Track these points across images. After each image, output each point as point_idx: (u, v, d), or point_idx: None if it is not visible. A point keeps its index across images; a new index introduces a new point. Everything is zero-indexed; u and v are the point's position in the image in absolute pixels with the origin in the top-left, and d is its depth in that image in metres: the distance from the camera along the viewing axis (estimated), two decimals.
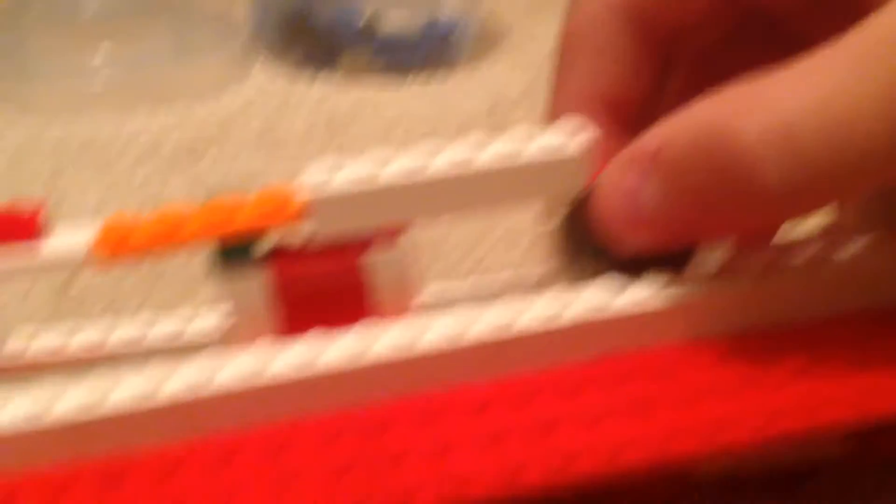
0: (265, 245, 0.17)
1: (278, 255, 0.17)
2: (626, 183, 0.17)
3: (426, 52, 0.44)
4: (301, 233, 0.17)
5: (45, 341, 0.22)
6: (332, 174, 0.17)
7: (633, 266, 0.18)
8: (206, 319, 0.22)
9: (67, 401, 0.15)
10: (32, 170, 0.36)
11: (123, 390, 0.15)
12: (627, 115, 0.21)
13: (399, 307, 0.18)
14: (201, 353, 0.17)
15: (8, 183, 0.35)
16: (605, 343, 0.17)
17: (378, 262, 0.18)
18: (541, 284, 0.19)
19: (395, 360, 0.16)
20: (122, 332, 0.22)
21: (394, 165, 0.17)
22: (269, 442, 0.16)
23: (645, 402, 0.16)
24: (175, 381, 0.16)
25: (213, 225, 0.16)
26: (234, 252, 0.17)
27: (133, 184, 0.35)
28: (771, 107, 0.15)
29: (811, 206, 0.16)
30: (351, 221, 0.17)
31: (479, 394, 0.16)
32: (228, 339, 0.17)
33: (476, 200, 0.18)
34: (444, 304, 0.18)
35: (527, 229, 0.32)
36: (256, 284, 0.17)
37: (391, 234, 0.18)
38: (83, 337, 0.22)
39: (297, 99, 0.42)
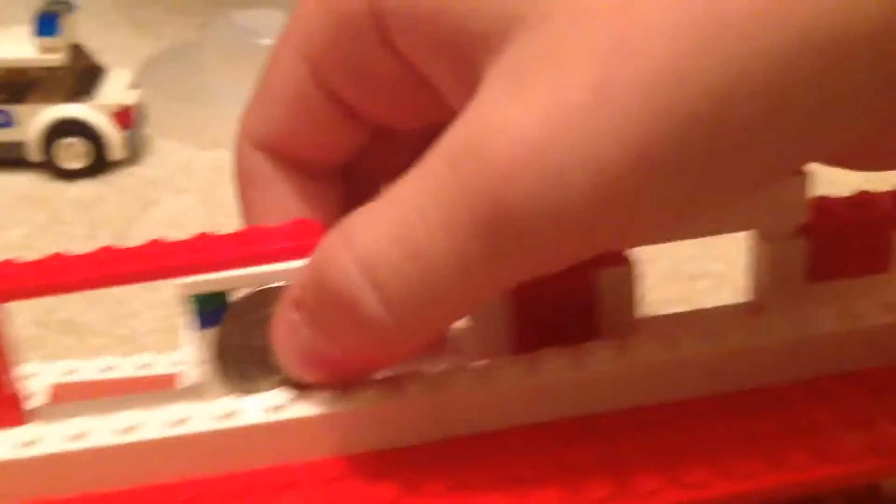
0: None
1: None
2: (288, 321, 0.17)
3: None
4: None
5: None
6: None
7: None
8: None
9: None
10: (223, 197, 0.38)
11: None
12: None
13: (622, 323, 0.20)
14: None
15: (204, 208, 0.38)
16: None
17: (607, 279, 0.19)
18: None
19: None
20: None
21: None
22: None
23: None
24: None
25: None
26: None
27: None
28: (357, 241, 0.15)
29: (426, 333, 0.16)
30: None
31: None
32: (468, 347, 0.19)
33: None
34: None
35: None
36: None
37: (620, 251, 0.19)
38: None
39: None
